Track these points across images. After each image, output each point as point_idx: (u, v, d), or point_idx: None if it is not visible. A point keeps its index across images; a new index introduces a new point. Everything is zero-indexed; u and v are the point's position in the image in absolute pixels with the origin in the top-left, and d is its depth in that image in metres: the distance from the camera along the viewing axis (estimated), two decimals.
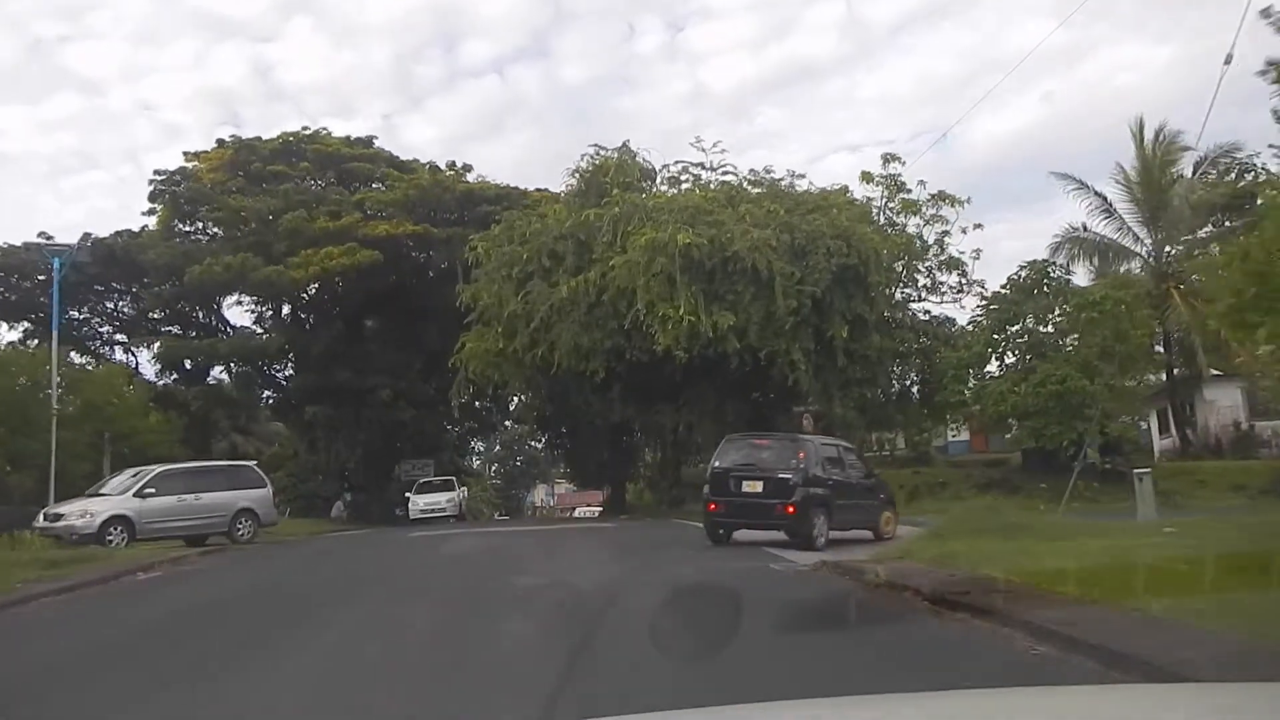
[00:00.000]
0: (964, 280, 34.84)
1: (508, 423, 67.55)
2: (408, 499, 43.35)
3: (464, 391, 36.09)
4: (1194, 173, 35.63)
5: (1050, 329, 27.71)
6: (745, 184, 33.68)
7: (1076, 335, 27.83)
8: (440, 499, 42.65)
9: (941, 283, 35.35)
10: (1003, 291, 29.83)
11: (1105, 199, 36.55)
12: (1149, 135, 35.68)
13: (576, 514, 70.15)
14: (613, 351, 31.69)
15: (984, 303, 30.28)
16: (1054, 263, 31.15)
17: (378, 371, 45.40)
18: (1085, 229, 36.05)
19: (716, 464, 18.73)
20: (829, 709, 2.90)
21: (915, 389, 35.30)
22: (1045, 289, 28.73)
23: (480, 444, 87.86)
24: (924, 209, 34.35)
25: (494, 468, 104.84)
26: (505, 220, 36.02)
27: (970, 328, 31.98)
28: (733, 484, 18.04)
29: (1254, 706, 2.51)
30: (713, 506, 18.28)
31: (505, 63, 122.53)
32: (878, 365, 32.78)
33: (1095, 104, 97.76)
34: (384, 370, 45.64)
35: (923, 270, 34.64)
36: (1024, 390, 27.53)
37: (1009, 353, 28.47)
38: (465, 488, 38.19)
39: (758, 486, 17.69)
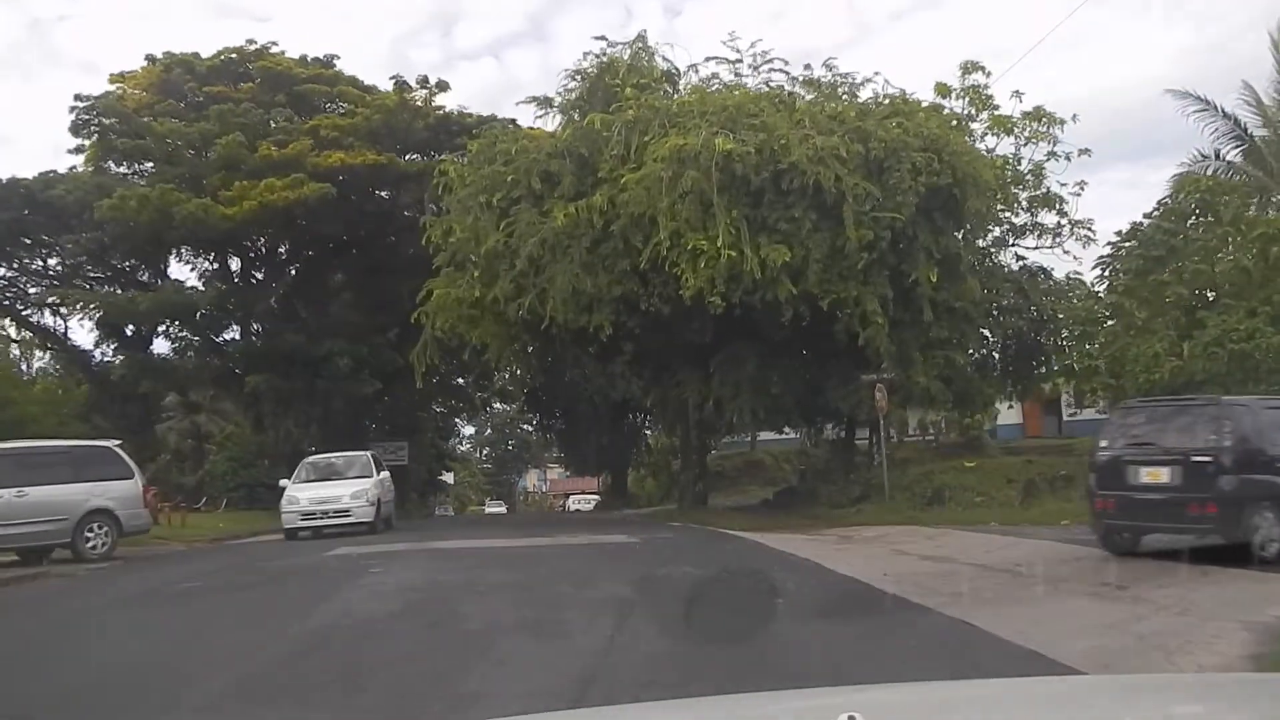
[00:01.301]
0: (1064, 221, 27.29)
1: (496, 402, 60.16)
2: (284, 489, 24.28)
3: (430, 356, 28.34)
4: None
5: (1224, 268, 20.13)
6: (798, 86, 25.88)
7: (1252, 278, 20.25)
8: (338, 493, 23.36)
9: (1039, 224, 27.78)
10: (1149, 222, 22.14)
11: (1239, 123, 28.90)
12: None
13: (570, 505, 62.85)
14: (623, 301, 24.07)
15: (1120, 239, 22.64)
16: (1225, 178, 23.43)
17: (335, 335, 37.82)
18: (1219, 157, 28.37)
19: (1104, 446, 13.32)
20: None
21: (1010, 355, 27.68)
22: (1213, 216, 21.06)
23: (469, 426, 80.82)
24: (1019, 128, 26.68)
25: (485, 452, 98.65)
26: (485, 136, 28.33)
27: (1095, 275, 24.40)
28: (1127, 472, 12.53)
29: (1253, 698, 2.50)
30: (1101, 504, 13.02)
31: (502, 46, 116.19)
32: (967, 322, 25.16)
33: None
34: (343, 334, 38.07)
35: (1021, 204, 26.96)
36: (1189, 351, 19.95)
37: (1165, 303, 20.81)
38: (386, 473, 26.90)
39: (1161, 475, 12.18)
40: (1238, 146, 28.87)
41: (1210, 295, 20.70)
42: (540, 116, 28.66)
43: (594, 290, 23.52)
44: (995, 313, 27.05)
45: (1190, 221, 21.49)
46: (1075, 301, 25.67)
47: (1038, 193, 26.87)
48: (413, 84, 37.95)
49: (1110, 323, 22.40)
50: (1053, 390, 33.19)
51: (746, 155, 21.78)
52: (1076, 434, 40.30)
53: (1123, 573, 10.71)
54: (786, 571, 11.87)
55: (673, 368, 27.57)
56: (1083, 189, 27.01)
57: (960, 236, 24.05)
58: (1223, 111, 28.89)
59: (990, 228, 25.92)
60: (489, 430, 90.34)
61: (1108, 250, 23.03)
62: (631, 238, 22.92)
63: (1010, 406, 38.18)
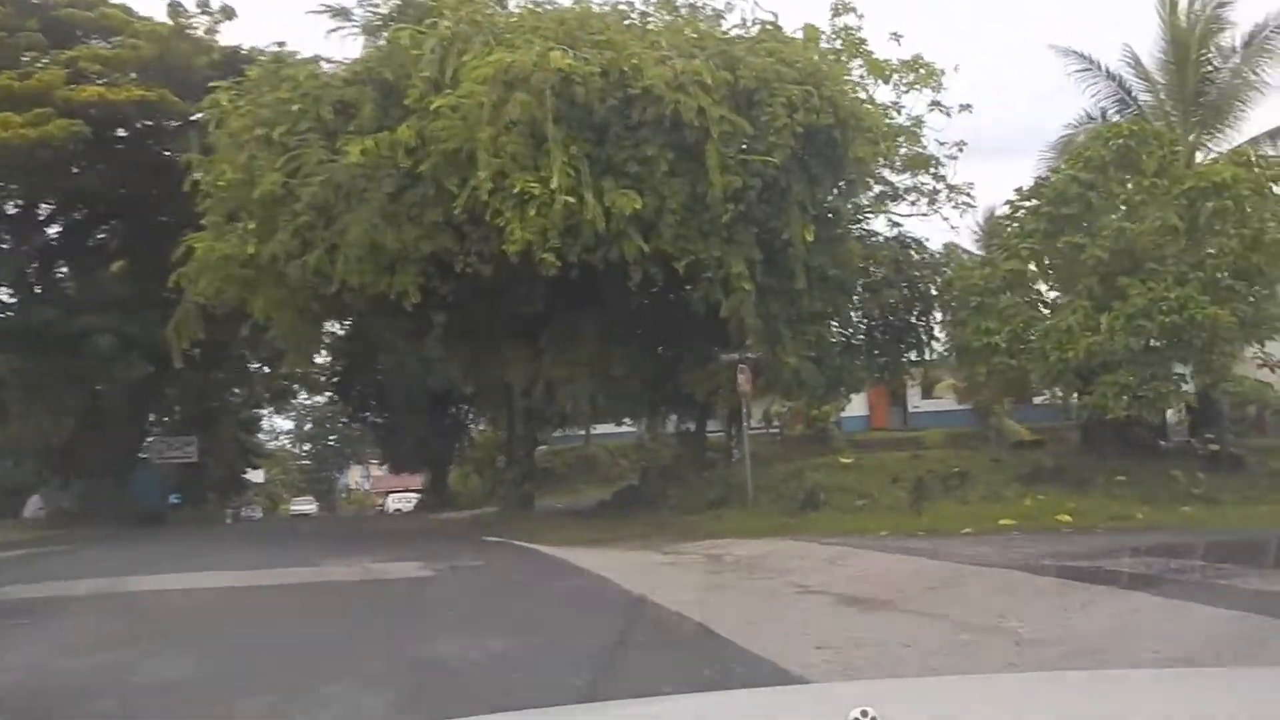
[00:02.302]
0: (941, 185, 24.07)
1: (303, 392, 54.34)
2: None
3: (192, 329, 23.07)
4: (1247, 44, 25.56)
5: (1148, 228, 17.03)
6: (650, 6, 21.66)
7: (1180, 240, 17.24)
8: None
9: (915, 188, 24.49)
10: (1059, 174, 18.88)
11: (1123, 84, 26.40)
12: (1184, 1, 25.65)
13: (390, 505, 57.53)
14: (434, 260, 19.50)
15: (1020, 196, 19.35)
16: (1149, 124, 20.36)
17: (103, 310, 31.78)
18: (1105, 118, 25.70)
19: None
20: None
21: (879, 334, 24.23)
22: (1136, 168, 17.91)
23: (284, 419, 74.37)
24: (899, 76, 23.26)
25: (306, 447, 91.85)
26: (266, 62, 23.18)
27: (978, 243, 21.09)
28: None
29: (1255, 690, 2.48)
30: None
31: None
32: (842, 294, 21.59)
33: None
34: (114, 308, 32.01)
35: (897, 163, 23.54)
36: (1109, 324, 16.78)
37: (1079, 269, 17.55)
38: None
39: None
40: (1122, 110, 26.33)
41: (1133, 260, 17.56)
42: (337, 34, 23.68)
43: (397, 246, 18.82)
44: (865, 285, 23.56)
45: (1109, 174, 18.31)
46: (950, 271, 22.32)
47: (915, 150, 23.50)
48: (191, 8, 32.16)
49: (1007, 295, 19.04)
50: (898, 380, 30.14)
51: (590, 77, 17.52)
52: (923, 426, 37.84)
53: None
54: (652, 652, 7.47)
55: (495, 344, 23.06)
56: (962, 149, 23.84)
57: (840, 191, 20.40)
58: (1107, 71, 26.36)
59: (870, 184, 22.34)
60: (310, 424, 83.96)
61: (1004, 211, 19.70)
62: (444, 180, 18.31)
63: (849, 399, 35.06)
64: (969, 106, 23.56)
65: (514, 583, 12.79)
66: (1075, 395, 17.84)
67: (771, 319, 19.81)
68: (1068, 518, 16.58)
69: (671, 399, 23.22)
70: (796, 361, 20.09)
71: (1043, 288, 18.87)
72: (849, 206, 22.17)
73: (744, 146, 18.24)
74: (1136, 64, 26.36)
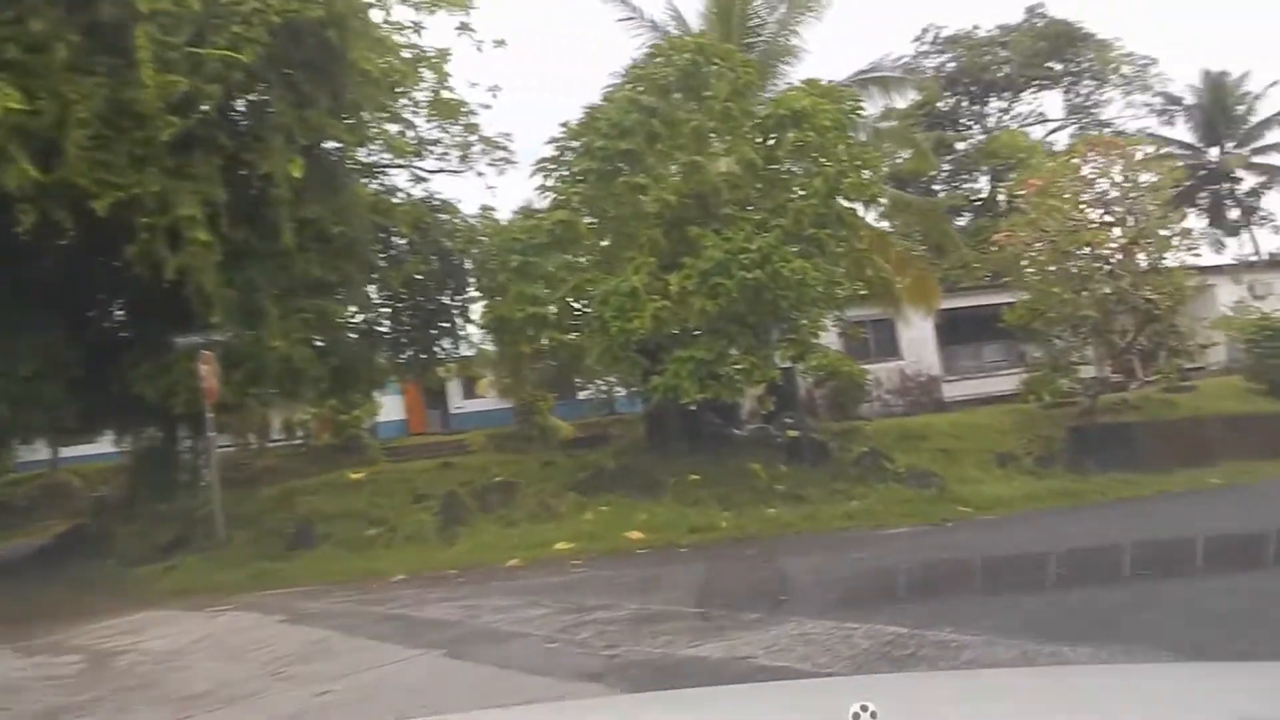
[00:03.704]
0: (474, 137, 19.94)
1: None
2: None
3: None
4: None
5: (721, 166, 13.76)
6: None
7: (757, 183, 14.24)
8: None
9: (443, 139, 20.10)
10: (615, 100, 15.15)
11: (667, 35, 23.85)
12: None
13: None
14: None
15: (568, 133, 15.45)
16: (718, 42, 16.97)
17: None
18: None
19: None
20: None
21: (406, 318, 19.55)
22: (705, 93, 14.58)
23: None
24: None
25: None
26: None
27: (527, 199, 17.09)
28: None
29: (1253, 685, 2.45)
30: None
31: None
32: (352, 261, 16.61)
33: None
34: None
35: (420, 100, 18.94)
36: (679, 284, 13.36)
37: (642, 218, 13.93)
38: None
39: None
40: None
41: (705, 207, 14.24)
42: None
43: None
44: (386, 257, 18.81)
45: (673, 102, 14.87)
46: (488, 240, 18.12)
47: (443, 93, 19.08)
48: None
49: (557, 255, 15.12)
50: (431, 375, 25.85)
51: None
52: (467, 427, 33.92)
53: None
54: None
55: None
56: (496, 94, 19.87)
57: (342, 121, 15.40)
58: (652, 23, 23.64)
59: (383, 121, 17.45)
60: None
61: (551, 152, 15.71)
62: None
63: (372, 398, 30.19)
64: (503, 42, 19.47)
65: None
66: (642, 378, 14.32)
67: (250, 289, 14.46)
68: (639, 534, 12.94)
69: (118, 404, 16.87)
70: (287, 346, 14.85)
71: (602, 244, 15.16)
72: (361, 151, 17.27)
73: (195, 35, 12.80)
74: (679, 18, 23.89)
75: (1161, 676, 2.97)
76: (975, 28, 40.84)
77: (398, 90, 16.95)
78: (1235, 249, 39.67)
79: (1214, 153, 41.08)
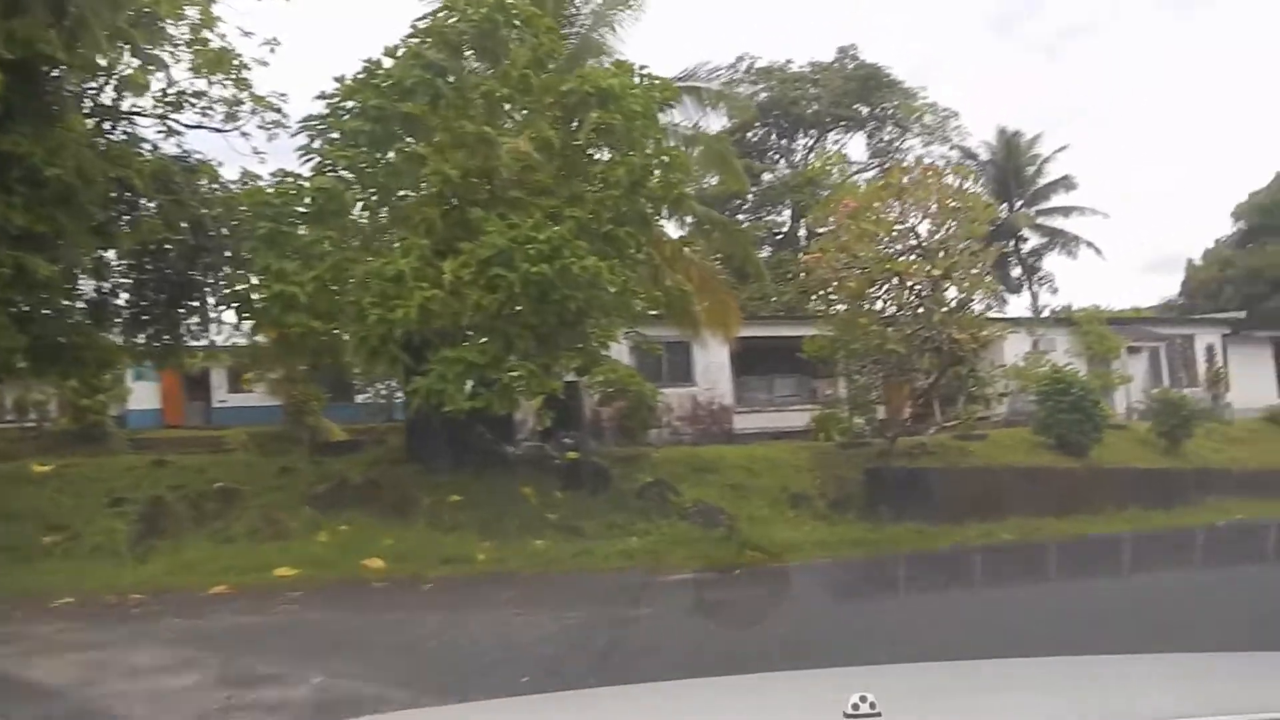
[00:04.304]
0: (244, 95, 17.46)
1: None
2: None
3: None
4: None
5: (515, 145, 11.92)
6: None
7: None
8: None
9: (200, 94, 17.48)
10: (399, 58, 13.02)
11: None
12: None
13: None
14: None
15: (342, 92, 13.25)
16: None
17: None
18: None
19: None
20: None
21: (152, 291, 16.76)
22: (501, 54, 12.67)
23: None
24: None
25: None
26: None
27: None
28: None
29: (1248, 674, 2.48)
30: None
31: None
32: (70, 211, 13.79)
33: None
34: None
35: (181, 46, 16.30)
36: (453, 272, 11.46)
37: (417, 195, 11.93)
38: None
39: None
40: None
41: (492, 187, 12.34)
42: None
43: None
44: (126, 216, 16.02)
45: (465, 61, 12.93)
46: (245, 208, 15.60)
47: (204, 33, 16.51)
48: None
49: (303, 232, 12.86)
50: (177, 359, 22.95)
51: None
52: (231, 423, 30.70)
53: None
54: None
55: None
56: (275, 48, 17.40)
57: (66, 46, 12.68)
58: None
59: (124, 54, 14.69)
60: None
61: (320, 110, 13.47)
62: None
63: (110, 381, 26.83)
64: None
65: None
66: (405, 378, 12.29)
67: None
68: (380, 563, 10.88)
69: None
70: None
71: (366, 217, 13.07)
72: (104, 96, 14.56)
73: None
74: None
75: (1163, 666, 2.94)
76: (789, 61, 40.72)
77: (145, 14, 14.32)
78: (1016, 306, 40.91)
79: (1003, 210, 42.35)
